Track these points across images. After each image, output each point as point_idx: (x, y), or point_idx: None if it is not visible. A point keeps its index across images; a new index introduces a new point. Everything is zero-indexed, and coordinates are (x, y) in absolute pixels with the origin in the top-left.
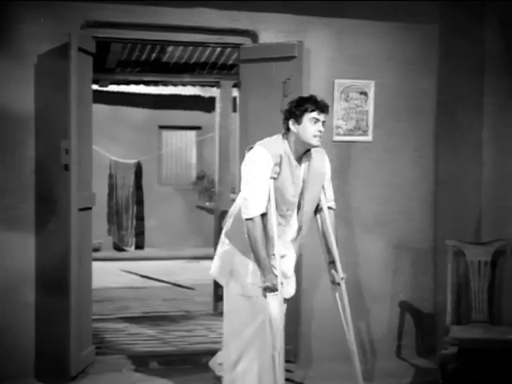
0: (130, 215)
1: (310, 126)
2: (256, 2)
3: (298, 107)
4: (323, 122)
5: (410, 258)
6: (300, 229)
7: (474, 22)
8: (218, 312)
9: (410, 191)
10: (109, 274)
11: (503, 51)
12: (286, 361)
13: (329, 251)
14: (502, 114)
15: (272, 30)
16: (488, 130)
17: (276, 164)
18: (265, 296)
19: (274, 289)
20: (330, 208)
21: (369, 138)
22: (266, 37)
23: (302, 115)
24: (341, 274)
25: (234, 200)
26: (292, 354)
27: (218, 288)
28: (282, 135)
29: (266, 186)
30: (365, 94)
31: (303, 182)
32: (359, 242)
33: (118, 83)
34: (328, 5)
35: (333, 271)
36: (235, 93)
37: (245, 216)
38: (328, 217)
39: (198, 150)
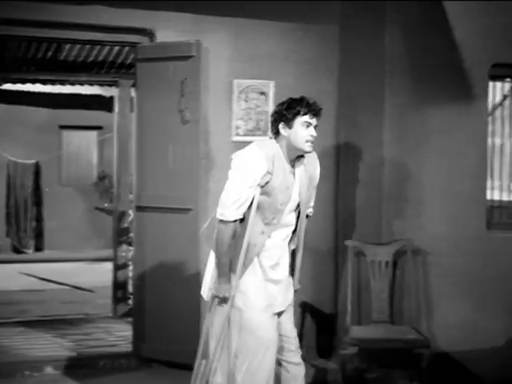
0: (28, 216)
1: (301, 131)
2: (154, 0)
3: (289, 110)
4: (315, 126)
5: (310, 258)
6: (295, 234)
7: (375, 23)
8: (117, 315)
9: None
10: (7, 277)
11: (404, 52)
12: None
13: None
14: (403, 114)
15: (170, 28)
16: (389, 130)
17: (268, 172)
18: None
19: (224, 300)
20: (306, 216)
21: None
22: (164, 36)
23: (293, 118)
24: (296, 285)
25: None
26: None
27: (117, 290)
28: (275, 139)
29: (251, 193)
30: (264, 94)
31: (299, 187)
32: None
33: (14, 82)
34: (226, 5)
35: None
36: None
37: (219, 216)
38: (304, 224)
39: (99, 150)
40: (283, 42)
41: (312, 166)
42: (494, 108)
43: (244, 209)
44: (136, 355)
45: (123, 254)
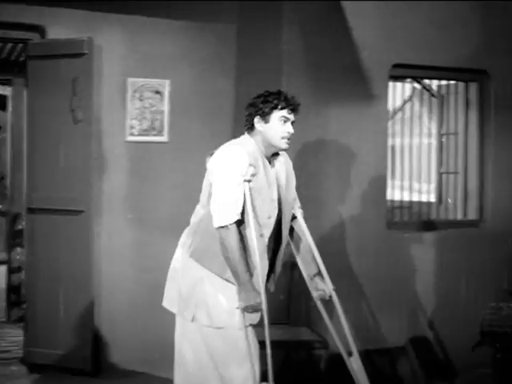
0: None
1: (278, 126)
2: None
3: (266, 103)
4: (293, 122)
5: None
6: (281, 239)
7: (273, 22)
8: (11, 320)
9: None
10: None
11: (302, 52)
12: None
13: (309, 263)
14: (302, 114)
15: (62, 25)
16: None
17: (252, 164)
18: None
19: (257, 308)
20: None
21: (164, 138)
22: (56, 33)
23: (270, 113)
24: (331, 285)
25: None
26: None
27: (11, 294)
28: (248, 135)
29: (242, 190)
30: (160, 93)
31: (278, 186)
32: (155, 245)
33: None
34: (121, 2)
35: (320, 285)
36: None
37: (217, 224)
38: (304, 224)
39: None
40: (180, 41)
41: (289, 165)
42: (398, 109)
43: (240, 207)
44: (27, 361)
45: (17, 257)
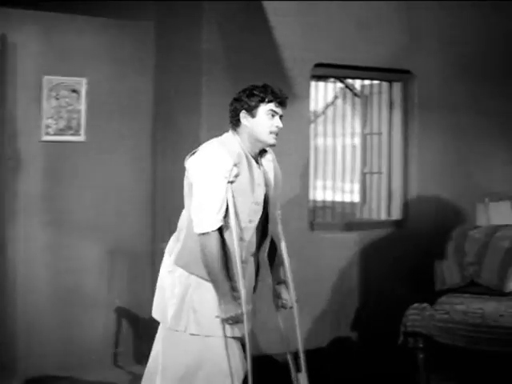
0: None
1: (266, 120)
2: None
3: (252, 97)
4: (281, 116)
5: (126, 262)
6: (265, 242)
7: (192, 21)
8: None
9: (127, 193)
10: None
11: (222, 51)
12: None
13: (278, 268)
14: (219, 115)
15: None
16: (205, 131)
17: (235, 164)
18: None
19: (237, 320)
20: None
21: (81, 138)
22: None
23: (256, 106)
24: (294, 296)
25: None
26: None
27: None
28: (233, 131)
29: (224, 193)
30: (76, 91)
31: (266, 186)
32: (72, 247)
33: None
34: None
35: (284, 294)
36: None
37: (198, 230)
38: (281, 226)
39: None
40: (97, 39)
41: (276, 163)
42: (324, 109)
43: (223, 212)
44: None
45: None
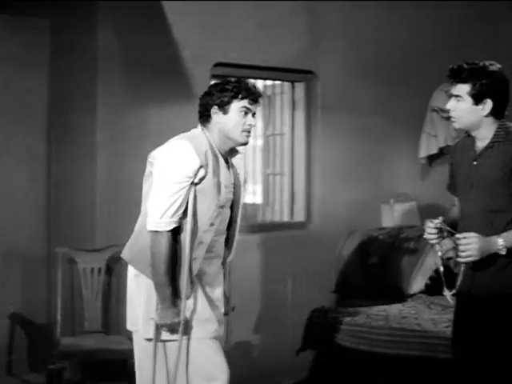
0: None
1: (238, 118)
2: None
3: (225, 92)
4: (254, 114)
5: (21, 267)
6: (231, 247)
7: (87, 19)
8: None
9: (21, 195)
10: None
11: (119, 50)
12: None
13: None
14: (116, 114)
15: None
16: (101, 130)
17: (202, 166)
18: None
19: (172, 328)
20: None
21: None
22: None
23: (229, 102)
24: (231, 304)
25: None
26: None
27: None
28: (202, 127)
29: (186, 194)
30: None
31: (235, 187)
32: None
33: None
34: None
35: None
36: None
37: (150, 226)
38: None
39: None
40: None
41: (242, 164)
42: None
43: (180, 213)
44: None
45: None
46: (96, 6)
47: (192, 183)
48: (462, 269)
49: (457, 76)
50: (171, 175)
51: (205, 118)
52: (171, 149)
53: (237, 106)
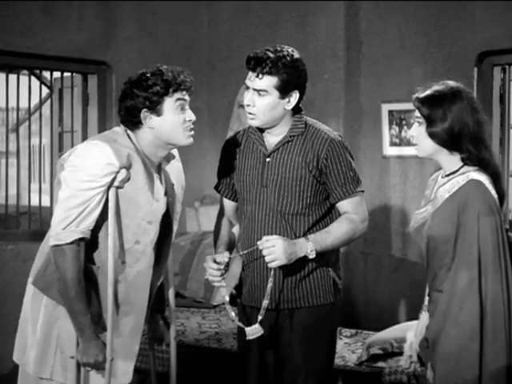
0: None
1: (175, 116)
2: None
3: (151, 89)
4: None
5: None
6: (164, 264)
7: None
8: None
9: None
10: None
11: None
12: None
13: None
14: None
15: None
16: None
17: (125, 168)
18: None
19: (97, 367)
20: None
21: None
22: None
23: (160, 102)
24: (173, 331)
25: None
26: None
27: None
28: (127, 130)
29: (98, 199)
30: None
31: (170, 197)
32: None
33: None
34: None
35: (161, 325)
36: None
37: (52, 241)
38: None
39: None
40: None
41: (181, 167)
42: (35, 108)
43: (88, 223)
44: None
45: None
46: None
47: (110, 186)
48: (270, 285)
49: (260, 67)
50: (79, 177)
51: (132, 123)
52: (84, 148)
53: (170, 102)
